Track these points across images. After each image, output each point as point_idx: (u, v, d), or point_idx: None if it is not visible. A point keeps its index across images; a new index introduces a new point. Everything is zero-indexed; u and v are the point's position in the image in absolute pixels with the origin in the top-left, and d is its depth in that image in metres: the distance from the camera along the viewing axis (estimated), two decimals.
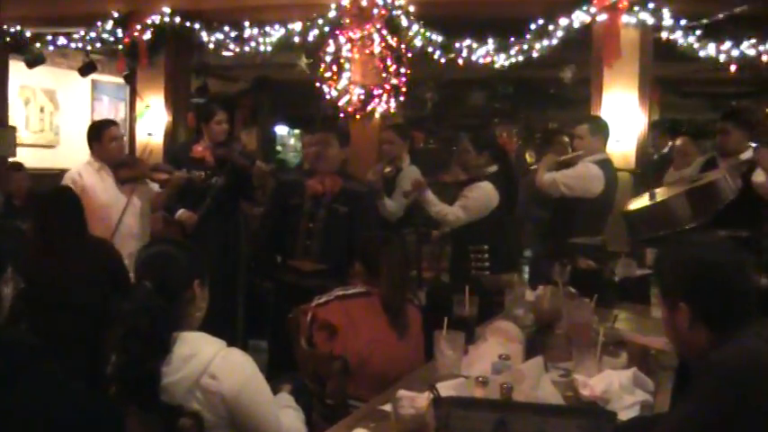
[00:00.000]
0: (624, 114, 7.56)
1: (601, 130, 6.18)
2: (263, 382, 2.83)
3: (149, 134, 9.36)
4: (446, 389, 3.09)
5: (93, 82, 11.85)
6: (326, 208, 5.48)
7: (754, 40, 7.21)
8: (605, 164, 6.05)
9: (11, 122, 9.98)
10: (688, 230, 5.20)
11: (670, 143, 8.35)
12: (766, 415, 2.15)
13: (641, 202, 5.75)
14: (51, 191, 5.21)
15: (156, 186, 6.17)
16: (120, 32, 9.02)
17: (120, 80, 10.50)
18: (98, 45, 9.27)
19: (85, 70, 9.78)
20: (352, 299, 3.90)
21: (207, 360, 2.68)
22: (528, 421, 1.97)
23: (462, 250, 5.82)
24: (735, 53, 7.27)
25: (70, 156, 10.17)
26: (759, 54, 7.20)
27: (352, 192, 5.58)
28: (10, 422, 2.21)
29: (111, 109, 12.16)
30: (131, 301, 2.79)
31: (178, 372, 2.67)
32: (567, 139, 8.22)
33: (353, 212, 5.49)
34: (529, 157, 10.38)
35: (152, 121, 9.39)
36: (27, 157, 9.78)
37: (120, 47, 9.09)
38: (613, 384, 3.16)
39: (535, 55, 7.78)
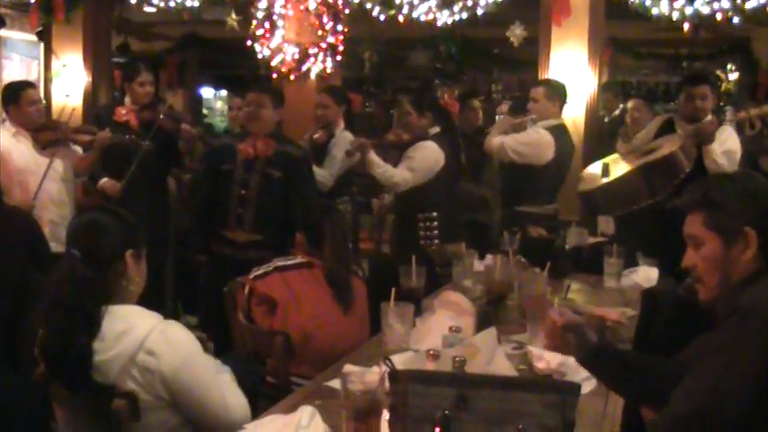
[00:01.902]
0: (573, 76, 7.62)
1: (557, 94, 6.23)
2: (206, 357, 2.82)
3: (67, 96, 9.20)
4: (396, 363, 3.11)
5: (2, 38, 11.52)
6: (260, 173, 5.41)
7: None
8: (559, 130, 6.12)
9: None
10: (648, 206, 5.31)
11: (621, 106, 8.43)
12: None
13: (593, 176, 5.81)
14: None
15: (79, 150, 6.07)
16: None
17: (33, 37, 10.24)
18: None
19: None
20: (292, 270, 3.88)
21: (143, 335, 2.65)
22: (489, 396, 1.98)
23: (409, 219, 5.83)
24: (689, 11, 7.37)
25: None
26: (714, 12, 7.30)
27: (288, 155, 5.51)
28: None
29: (23, 68, 11.82)
30: (57, 271, 2.76)
31: (111, 349, 2.64)
32: (477, 104, 8.27)
33: (289, 177, 5.43)
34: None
35: (70, 82, 9.23)
36: None
37: (32, 0, 8.84)
38: (569, 357, 3.20)
39: (480, 12, 7.80)
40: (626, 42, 11.57)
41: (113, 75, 8.82)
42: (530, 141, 6.00)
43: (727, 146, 5.65)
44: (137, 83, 6.25)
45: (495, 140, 6.05)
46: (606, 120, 8.49)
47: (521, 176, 6.06)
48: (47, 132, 5.87)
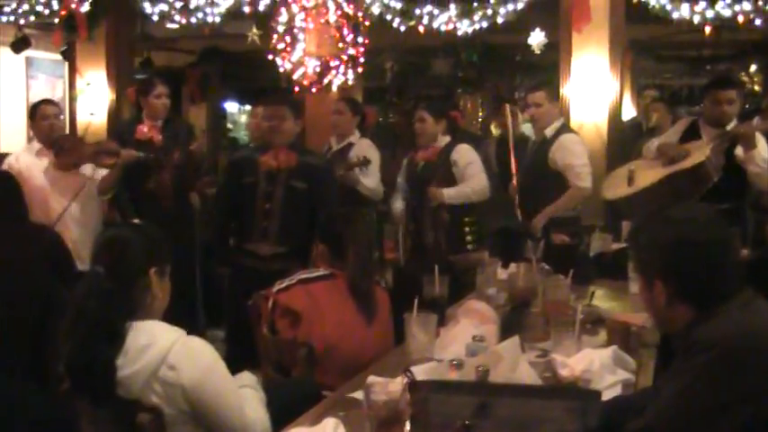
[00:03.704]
0: (595, 81, 7.63)
1: (556, 96, 6.30)
2: (226, 370, 2.83)
3: (91, 114, 9.27)
4: (419, 373, 3.11)
5: (28, 59, 11.63)
6: (283, 185, 5.42)
7: (729, 0, 7.27)
8: (569, 129, 6.18)
9: None
10: None
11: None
12: (760, 387, 2.20)
13: (619, 180, 5.75)
14: None
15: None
16: (55, 3, 8.85)
17: (58, 56, 10.34)
18: (31, 18, 9.11)
19: (18, 46, 9.63)
20: (315, 282, 3.88)
21: (165, 350, 2.68)
22: (510, 404, 1.98)
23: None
24: (709, 14, 7.35)
25: (5, 139, 9.98)
26: (735, 15, 7.27)
27: (310, 166, 5.53)
28: None
29: (48, 87, 11.95)
30: (81, 287, 2.79)
31: (134, 363, 2.66)
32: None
33: (312, 189, 5.43)
34: (494, 129, 10.38)
35: (93, 100, 9.29)
36: None
37: (56, 19, 8.92)
38: (593, 364, 3.19)
39: (500, 20, 7.81)
40: (647, 45, 11.50)
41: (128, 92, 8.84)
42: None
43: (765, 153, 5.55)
44: (153, 96, 6.26)
45: None
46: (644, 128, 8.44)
47: (540, 181, 6.05)
48: (63, 155, 5.85)
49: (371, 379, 2.92)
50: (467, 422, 1.96)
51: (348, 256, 3.95)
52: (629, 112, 10.94)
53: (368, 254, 4.06)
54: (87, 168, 5.99)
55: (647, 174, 5.61)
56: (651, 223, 2.56)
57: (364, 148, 6.63)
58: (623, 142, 7.72)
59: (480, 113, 13.00)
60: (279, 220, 5.41)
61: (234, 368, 3.12)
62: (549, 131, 6.04)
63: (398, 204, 6.36)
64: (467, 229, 5.92)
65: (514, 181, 6.19)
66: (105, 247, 2.88)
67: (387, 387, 2.56)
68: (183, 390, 2.67)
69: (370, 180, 6.46)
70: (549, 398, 1.98)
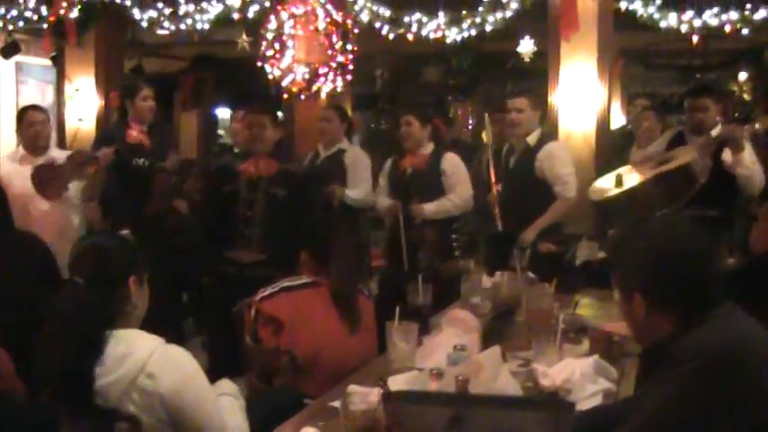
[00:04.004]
0: (584, 89, 7.63)
1: (539, 104, 6.30)
2: (205, 379, 2.82)
3: (80, 119, 9.26)
4: (399, 382, 3.12)
5: (18, 64, 11.61)
6: (264, 192, 5.45)
7: (716, 10, 7.29)
8: (552, 138, 6.20)
9: None
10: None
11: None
12: (743, 397, 2.20)
13: (607, 185, 5.76)
14: None
15: None
16: (44, 9, 8.86)
17: (48, 62, 10.33)
18: (21, 24, 9.11)
19: (8, 51, 9.64)
20: (299, 290, 3.88)
21: (143, 358, 2.67)
22: (484, 415, 1.98)
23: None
24: (697, 23, 7.37)
25: None
26: (722, 24, 7.29)
27: (290, 173, 5.58)
28: None
29: (38, 93, 11.93)
30: (61, 297, 2.77)
31: (113, 372, 2.65)
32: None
33: (293, 195, 5.46)
34: (485, 136, 10.39)
35: (82, 106, 9.28)
36: None
37: (45, 25, 8.92)
38: (575, 373, 3.20)
39: (489, 28, 7.82)
40: (637, 53, 11.55)
41: (111, 96, 8.80)
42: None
43: (753, 156, 5.58)
44: (140, 98, 6.26)
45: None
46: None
47: (525, 190, 6.05)
48: (48, 186, 5.77)
49: (351, 388, 2.92)
50: None
51: (331, 264, 3.95)
52: (618, 120, 10.96)
53: (351, 262, 4.05)
54: None
55: (635, 176, 5.64)
56: (629, 235, 2.54)
57: (356, 154, 6.67)
58: (612, 151, 7.72)
59: (471, 121, 13.00)
60: (260, 227, 5.42)
61: (216, 376, 3.12)
62: (530, 139, 6.00)
63: (383, 201, 6.28)
64: (453, 236, 5.90)
65: (494, 190, 6.15)
66: (84, 257, 2.87)
67: (365, 397, 2.56)
68: (162, 398, 2.66)
69: (358, 191, 6.44)
70: (523, 409, 1.98)
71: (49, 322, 2.80)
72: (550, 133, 6.28)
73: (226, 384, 3.17)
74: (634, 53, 11.46)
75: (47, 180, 5.83)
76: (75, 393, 2.66)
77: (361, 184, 6.42)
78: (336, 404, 2.94)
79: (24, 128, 5.96)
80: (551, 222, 5.85)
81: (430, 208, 5.92)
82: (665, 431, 2.24)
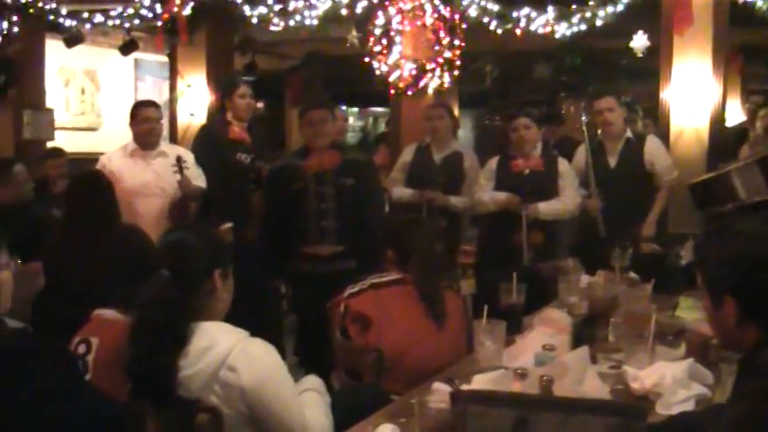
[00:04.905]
0: (697, 86, 7.43)
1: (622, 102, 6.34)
2: (287, 374, 2.83)
3: (191, 114, 9.46)
4: (483, 382, 3.08)
5: (136, 61, 11.95)
6: (333, 184, 5.50)
7: None
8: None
9: (48, 105, 10.07)
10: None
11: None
12: None
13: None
14: (79, 175, 5.27)
15: (196, 173, 6.15)
16: (158, 8, 9.05)
17: (165, 58, 10.60)
18: (137, 21, 9.34)
19: (126, 49, 9.90)
20: (386, 287, 3.87)
21: (225, 352, 2.70)
22: (550, 418, 1.94)
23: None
24: None
25: (113, 139, 10.18)
26: None
27: (355, 162, 5.68)
28: (15, 429, 2.23)
29: (155, 89, 12.25)
30: (147, 291, 2.82)
31: (195, 364, 2.69)
32: None
33: (360, 184, 5.54)
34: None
35: (194, 102, 9.48)
36: (67, 142, 9.87)
37: (159, 23, 9.13)
38: (666, 377, 3.11)
39: (599, 23, 7.68)
40: (758, 49, 11.18)
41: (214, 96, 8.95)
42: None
43: None
44: (237, 95, 6.34)
45: None
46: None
47: (633, 184, 6.01)
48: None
49: (436, 386, 2.90)
50: None
51: (413, 260, 3.93)
52: (736, 118, 10.65)
53: (434, 259, 4.02)
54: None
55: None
56: (721, 235, 2.42)
57: (472, 158, 6.77)
58: (725, 148, 7.50)
59: (584, 118, 12.80)
60: (335, 218, 5.47)
61: (306, 371, 3.13)
62: (629, 134, 6.18)
63: (495, 194, 6.12)
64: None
65: (594, 197, 6.09)
66: (169, 251, 2.92)
67: (446, 396, 2.54)
68: (243, 392, 2.69)
69: (461, 198, 6.49)
70: (591, 413, 1.93)
71: (135, 314, 2.86)
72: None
73: (311, 379, 3.19)
74: (755, 49, 11.11)
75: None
76: (159, 385, 2.70)
77: (471, 190, 6.39)
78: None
79: (138, 123, 6.04)
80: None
81: (544, 209, 5.88)
82: None
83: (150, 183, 5.95)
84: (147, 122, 6.05)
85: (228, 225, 5.65)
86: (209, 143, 6.39)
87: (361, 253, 5.23)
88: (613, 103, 6.10)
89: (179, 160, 5.82)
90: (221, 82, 7.73)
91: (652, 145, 6.19)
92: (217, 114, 7.37)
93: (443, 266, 4.48)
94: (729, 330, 2.33)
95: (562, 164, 6.08)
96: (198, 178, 6.07)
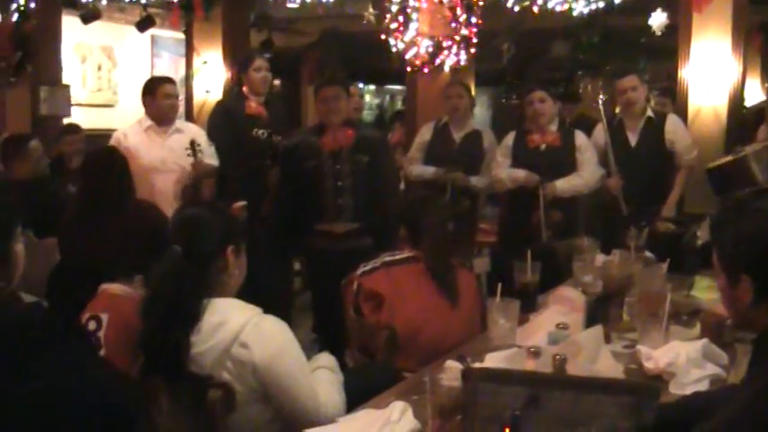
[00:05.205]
0: (716, 65, 7.37)
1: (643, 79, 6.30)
2: (299, 351, 2.84)
3: (207, 91, 9.46)
4: (497, 360, 3.08)
5: (153, 37, 11.90)
6: (349, 161, 5.52)
7: None
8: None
9: (65, 81, 10.07)
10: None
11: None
12: None
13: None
14: (95, 152, 5.28)
15: (210, 152, 6.14)
16: None
17: (181, 35, 10.56)
18: None
19: (143, 25, 9.86)
20: (398, 265, 3.85)
21: (238, 328, 2.71)
22: (561, 397, 1.93)
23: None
24: None
25: (129, 116, 10.07)
26: None
27: (370, 139, 5.74)
28: (25, 405, 2.23)
29: (172, 66, 12.21)
30: (159, 267, 2.82)
31: (207, 341, 2.70)
32: None
33: (373, 161, 5.56)
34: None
35: (210, 78, 9.47)
36: (84, 118, 9.84)
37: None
38: (680, 357, 3.10)
39: (617, 1, 7.62)
40: None
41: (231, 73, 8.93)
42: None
43: None
44: (253, 69, 6.30)
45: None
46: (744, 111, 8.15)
47: (655, 163, 6.01)
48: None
49: (449, 363, 2.89)
50: (516, 413, 1.91)
51: (424, 238, 3.91)
52: (756, 97, 10.56)
53: (445, 236, 4.00)
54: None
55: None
56: (738, 214, 2.39)
57: (491, 137, 6.77)
58: (743, 128, 7.44)
59: (601, 96, 12.73)
60: (352, 195, 5.50)
61: (321, 348, 3.13)
62: (649, 112, 6.18)
63: (514, 171, 6.04)
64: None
65: (614, 176, 6.04)
66: (182, 227, 2.93)
67: (458, 374, 2.53)
68: (255, 368, 2.69)
69: (481, 178, 6.50)
70: (603, 392, 1.91)
71: (148, 289, 2.87)
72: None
73: (324, 357, 3.19)
74: None
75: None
76: (170, 360, 2.71)
77: (490, 168, 6.36)
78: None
79: (159, 99, 6.03)
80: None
81: (563, 186, 5.83)
82: (749, 428, 2.11)
83: (168, 159, 5.93)
84: (168, 98, 6.05)
85: (242, 203, 5.63)
86: (226, 119, 6.35)
87: (376, 230, 5.25)
88: (636, 82, 6.07)
89: (193, 144, 5.81)
90: (237, 58, 7.71)
91: (673, 124, 6.16)
92: (234, 89, 7.34)
93: (457, 245, 4.45)
94: (744, 310, 2.31)
95: (579, 137, 6.03)
96: (211, 157, 6.05)
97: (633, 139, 6.14)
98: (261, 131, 6.21)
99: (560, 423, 1.92)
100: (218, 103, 7.24)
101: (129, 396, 2.57)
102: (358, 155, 5.51)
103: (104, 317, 3.52)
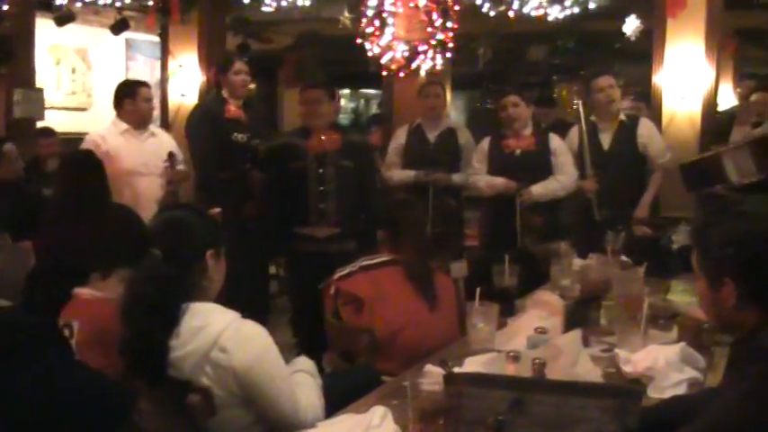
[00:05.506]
0: (690, 69, 7.42)
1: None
2: (278, 356, 2.82)
3: (182, 95, 9.41)
4: (476, 364, 3.08)
5: (127, 40, 11.84)
6: (334, 165, 5.50)
7: None
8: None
9: (39, 84, 9.98)
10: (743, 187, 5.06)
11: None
12: None
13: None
14: (70, 155, 5.25)
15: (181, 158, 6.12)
16: None
17: (156, 38, 10.51)
18: (128, 0, 9.27)
19: (118, 28, 9.82)
20: (377, 269, 3.85)
21: (217, 332, 2.68)
22: (546, 401, 1.93)
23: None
24: None
25: (104, 119, 9.93)
26: None
27: (355, 143, 5.73)
28: (12, 406, 2.21)
29: (147, 69, 12.16)
30: (139, 270, 2.80)
31: (187, 345, 2.68)
32: None
33: (359, 166, 5.57)
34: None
35: (185, 82, 9.43)
36: (58, 121, 9.78)
37: (151, 2, 9.05)
38: (658, 360, 3.11)
39: (592, 6, 7.66)
40: (754, 34, 11.14)
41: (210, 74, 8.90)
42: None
43: None
44: (232, 72, 6.24)
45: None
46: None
47: (628, 166, 6.02)
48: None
49: (428, 368, 2.89)
50: (500, 417, 1.91)
51: (404, 241, 3.91)
52: (729, 101, 10.63)
53: (424, 240, 4.00)
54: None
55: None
56: (723, 218, 2.42)
57: (467, 134, 6.81)
58: (718, 132, 7.49)
59: (576, 101, 12.79)
60: (335, 200, 5.48)
61: (300, 352, 3.11)
62: (622, 116, 6.18)
63: (493, 179, 6.01)
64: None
65: (589, 179, 6.04)
66: (162, 230, 2.90)
67: (439, 378, 2.52)
68: (234, 373, 2.67)
69: (464, 175, 6.46)
70: (587, 396, 1.92)
71: (127, 293, 2.84)
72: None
73: (302, 361, 3.18)
74: (750, 33, 11.06)
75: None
76: (150, 364, 2.69)
77: (469, 165, 6.36)
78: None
79: (138, 102, 6.03)
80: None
81: (538, 190, 5.83)
82: (740, 429, 2.11)
83: (149, 162, 5.93)
84: (147, 102, 6.07)
85: (217, 210, 5.60)
86: (207, 121, 6.26)
87: (359, 235, 5.24)
88: (613, 81, 6.09)
89: (171, 156, 5.80)
90: (215, 61, 7.69)
91: (645, 127, 6.16)
92: (212, 92, 7.31)
93: (440, 247, 4.46)
94: (726, 313, 2.32)
95: (554, 140, 6.03)
96: (184, 163, 6.10)
97: (606, 142, 6.15)
98: (240, 135, 6.18)
99: (545, 427, 1.92)
100: (198, 106, 7.21)
101: (115, 397, 2.55)
102: (342, 159, 5.50)
103: (75, 324, 3.49)
